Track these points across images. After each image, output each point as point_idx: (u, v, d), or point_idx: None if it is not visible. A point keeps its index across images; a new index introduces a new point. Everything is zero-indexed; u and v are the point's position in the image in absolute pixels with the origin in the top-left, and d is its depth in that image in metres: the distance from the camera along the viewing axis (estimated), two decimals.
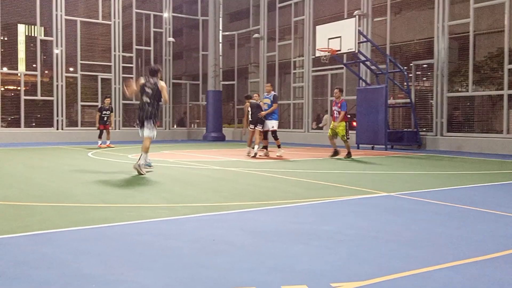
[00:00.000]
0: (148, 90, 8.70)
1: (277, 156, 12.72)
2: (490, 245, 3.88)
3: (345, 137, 12.32)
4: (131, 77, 22.93)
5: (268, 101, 13.04)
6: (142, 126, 8.75)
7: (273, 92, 13.21)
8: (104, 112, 16.95)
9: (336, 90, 12.48)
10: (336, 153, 12.48)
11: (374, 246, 3.84)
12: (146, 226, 4.54)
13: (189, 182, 7.61)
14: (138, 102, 9.45)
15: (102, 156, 12.71)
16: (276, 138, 13.09)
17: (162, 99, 8.86)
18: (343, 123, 12.27)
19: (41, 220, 4.75)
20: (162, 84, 8.82)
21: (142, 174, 8.31)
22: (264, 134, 13.10)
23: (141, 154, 8.75)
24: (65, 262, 3.34)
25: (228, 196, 6.27)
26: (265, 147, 13.20)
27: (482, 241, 4.03)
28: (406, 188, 7.04)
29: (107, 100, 17.37)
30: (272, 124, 12.97)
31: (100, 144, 16.77)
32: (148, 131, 8.76)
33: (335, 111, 12.38)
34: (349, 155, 12.36)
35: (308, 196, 6.29)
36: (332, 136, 12.49)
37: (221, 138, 23.07)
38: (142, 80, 8.88)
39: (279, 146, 13.17)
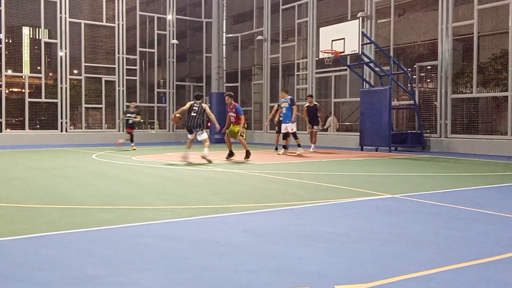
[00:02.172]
0: (195, 108, 11.74)
1: (298, 154, 13.73)
2: (494, 247, 3.86)
3: (242, 134, 12.28)
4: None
5: (286, 104, 14.18)
6: (190, 132, 11.75)
7: (289, 96, 14.33)
8: (128, 115, 16.76)
9: (226, 98, 12.40)
10: (231, 154, 12.41)
11: (377, 248, 3.83)
12: (148, 228, 4.54)
13: (192, 184, 7.62)
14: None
15: (105, 158, 12.74)
16: (295, 138, 14.27)
17: (207, 115, 11.93)
18: (240, 125, 12.28)
19: (44, 222, 4.76)
20: (204, 105, 11.83)
21: (210, 162, 11.31)
22: (284, 135, 14.39)
23: (205, 148, 11.53)
24: (69, 264, 3.35)
25: (231, 198, 6.27)
26: (285, 147, 14.43)
27: (486, 243, 4.01)
28: (409, 190, 7.02)
29: (132, 104, 17.24)
30: (292, 127, 14.08)
31: (133, 146, 16.58)
32: (202, 135, 11.72)
33: (231, 116, 12.31)
34: (247, 154, 12.24)
35: (311, 198, 6.28)
36: (229, 137, 12.51)
37: (224, 140, 23.05)
38: (190, 103, 11.95)
39: (298, 145, 14.19)
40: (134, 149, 16.26)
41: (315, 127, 15.69)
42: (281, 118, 15.09)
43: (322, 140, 20.02)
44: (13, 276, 3.10)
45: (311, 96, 16.07)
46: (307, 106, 15.72)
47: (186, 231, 4.41)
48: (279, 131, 15.84)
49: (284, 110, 14.27)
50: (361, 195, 6.45)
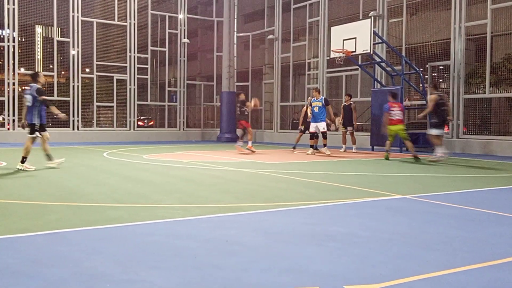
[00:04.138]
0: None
1: (327, 154, 13.79)
2: (506, 249, 3.82)
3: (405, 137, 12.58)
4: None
5: (319, 104, 14.27)
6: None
7: (322, 96, 14.48)
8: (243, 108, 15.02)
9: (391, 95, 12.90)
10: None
11: (388, 248, 3.81)
12: (159, 226, 4.55)
13: (203, 183, 7.63)
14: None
15: (117, 157, 12.80)
16: (324, 137, 14.22)
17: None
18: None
19: (56, 219, 4.80)
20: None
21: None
22: (312, 135, 14.48)
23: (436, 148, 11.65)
24: (80, 261, 3.37)
25: (241, 197, 6.27)
26: (312, 146, 14.52)
27: (498, 244, 3.97)
28: (420, 190, 6.97)
29: (241, 95, 15.45)
30: (323, 126, 14.21)
31: (251, 145, 14.62)
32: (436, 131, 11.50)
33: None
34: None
35: (321, 197, 6.26)
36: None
37: (235, 139, 23.07)
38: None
39: (324, 145, 14.17)
40: (254, 151, 14.37)
41: (348, 128, 15.56)
42: (308, 119, 15.08)
43: (333, 140, 19.95)
44: (24, 272, 3.12)
45: (348, 95, 15.99)
46: (343, 105, 15.67)
47: (196, 229, 4.42)
48: (303, 131, 15.81)
49: (316, 110, 14.32)
50: (372, 195, 6.42)
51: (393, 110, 12.44)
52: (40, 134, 9.37)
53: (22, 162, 9.15)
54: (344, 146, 15.74)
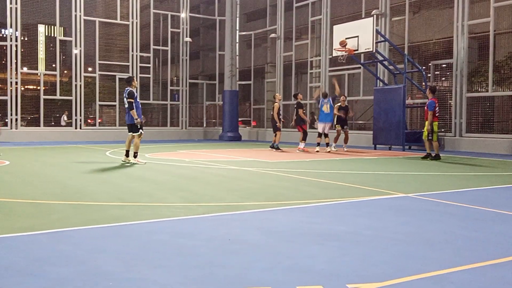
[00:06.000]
0: None
1: (327, 151, 14.24)
2: (509, 247, 3.82)
3: (428, 137, 12.02)
4: (149, 79, 22.98)
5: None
6: None
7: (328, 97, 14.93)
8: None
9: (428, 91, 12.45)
10: (429, 155, 12.07)
11: (390, 247, 3.81)
12: (162, 224, 4.56)
13: (205, 182, 7.64)
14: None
15: (119, 155, 12.81)
16: (324, 136, 14.75)
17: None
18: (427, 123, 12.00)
19: (59, 218, 4.81)
20: None
21: None
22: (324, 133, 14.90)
23: None
24: (83, 260, 3.38)
25: (244, 196, 6.28)
26: (328, 144, 14.85)
27: (501, 243, 3.97)
28: (423, 189, 6.96)
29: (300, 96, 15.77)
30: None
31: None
32: None
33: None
34: (434, 156, 11.96)
35: (324, 196, 6.26)
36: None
37: (237, 138, 23.12)
38: None
39: (327, 144, 14.66)
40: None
41: (345, 127, 15.52)
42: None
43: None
44: (28, 271, 3.14)
45: (345, 96, 16.02)
46: (339, 106, 15.58)
47: (199, 228, 4.43)
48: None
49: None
50: (374, 194, 6.42)
51: (437, 107, 12.01)
52: (142, 131, 10.40)
53: (135, 156, 10.38)
54: (335, 144, 15.48)
